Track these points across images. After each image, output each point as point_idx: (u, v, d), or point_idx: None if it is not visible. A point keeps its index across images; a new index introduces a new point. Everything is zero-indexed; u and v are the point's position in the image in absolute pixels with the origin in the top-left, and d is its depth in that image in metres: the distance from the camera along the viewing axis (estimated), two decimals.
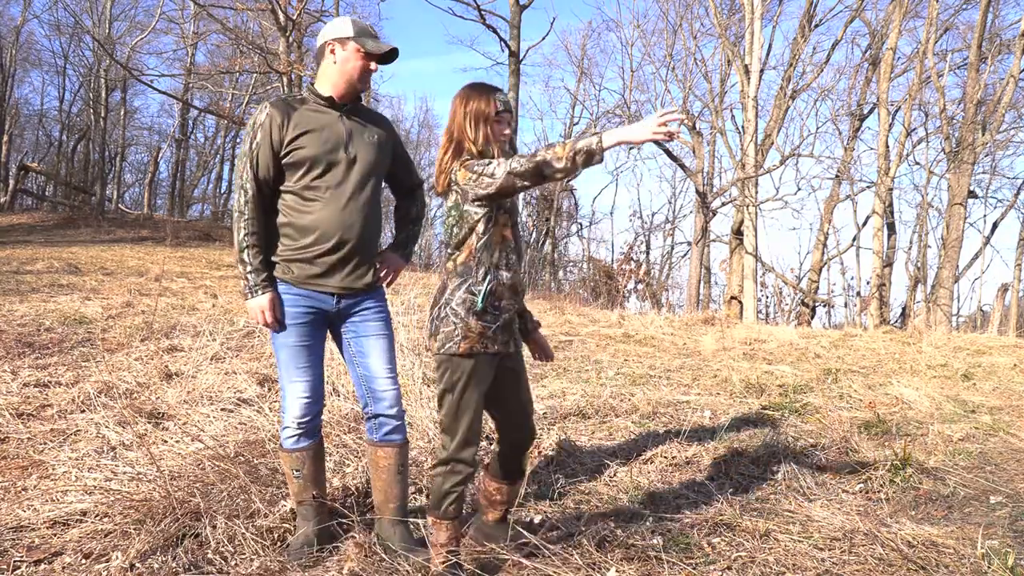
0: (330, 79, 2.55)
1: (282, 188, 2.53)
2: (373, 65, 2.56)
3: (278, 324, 2.54)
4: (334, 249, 2.51)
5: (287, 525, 2.74)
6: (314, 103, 2.56)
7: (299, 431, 2.61)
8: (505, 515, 2.75)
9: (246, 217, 2.49)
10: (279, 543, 2.65)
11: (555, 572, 2.42)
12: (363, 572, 2.42)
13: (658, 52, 22.76)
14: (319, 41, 2.58)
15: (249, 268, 2.49)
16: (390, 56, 2.58)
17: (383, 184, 2.77)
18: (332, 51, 2.54)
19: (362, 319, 2.63)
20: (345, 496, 3.03)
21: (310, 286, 2.54)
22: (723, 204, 20.66)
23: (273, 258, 2.56)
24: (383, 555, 2.49)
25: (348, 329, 2.65)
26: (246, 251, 2.49)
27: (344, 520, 2.72)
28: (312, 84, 2.60)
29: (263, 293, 2.49)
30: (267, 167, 2.50)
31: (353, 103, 2.62)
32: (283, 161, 2.50)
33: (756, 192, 17.89)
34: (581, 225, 31.35)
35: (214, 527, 2.59)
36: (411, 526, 2.71)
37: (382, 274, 2.73)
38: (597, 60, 46.50)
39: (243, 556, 2.50)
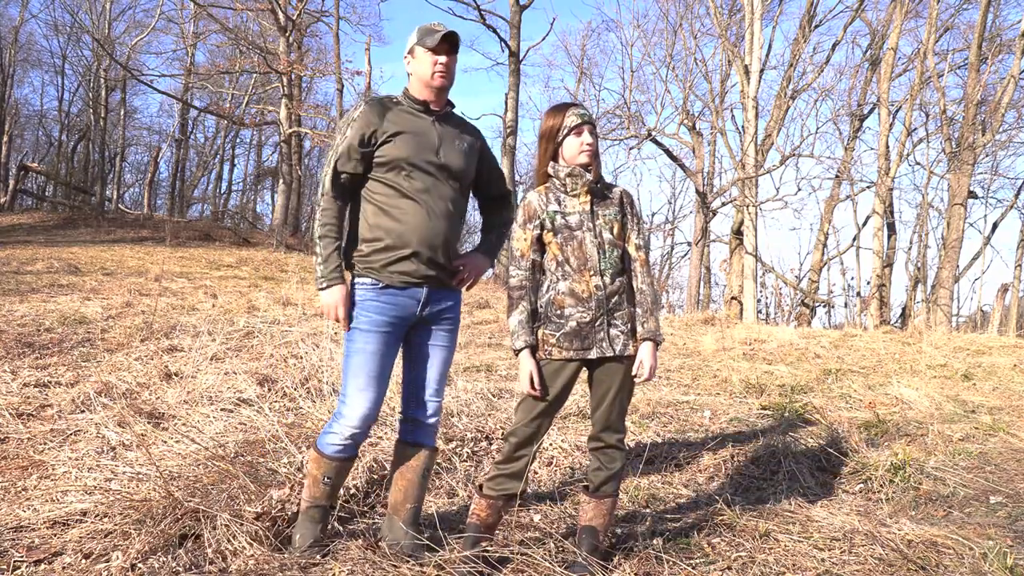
0: (413, 85, 2.63)
1: (371, 186, 2.55)
2: (442, 58, 2.56)
3: (347, 321, 2.53)
4: (416, 254, 2.51)
5: (287, 526, 2.73)
6: (409, 106, 2.60)
7: (348, 441, 2.57)
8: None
9: (322, 208, 2.55)
10: (279, 543, 2.64)
11: (556, 571, 2.42)
12: (365, 572, 2.42)
13: (658, 52, 22.76)
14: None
15: (319, 259, 2.52)
16: (451, 42, 2.56)
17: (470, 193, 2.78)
18: (408, 63, 2.63)
19: (436, 327, 2.64)
20: (347, 495, 3.03)
21: (395, 280, 2.52)
22: (723, 204, 20.68)
23: (355, 255, 2.56)
24: (388, 555, 2.49)
25: (420, 333, 2.64)
26: (319, 242, 2.54)
27: (349, 519, 2.71)
28: (407, 89, 2.64)
29: (332, 286, 2.51)
30: (354, 163, 2.53)
31: (446, 110, 2.66)
32: (375, 160, 2.53)
33: (756, 192, 17.89)
34: None
35: (214, 527, 2.59)
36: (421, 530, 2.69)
37: (464, 275, 2.67)
38: (597, 60, 46.59)
39: (243, 556, 2.50)
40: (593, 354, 2.49)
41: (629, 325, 2.53)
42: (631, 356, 2.53)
